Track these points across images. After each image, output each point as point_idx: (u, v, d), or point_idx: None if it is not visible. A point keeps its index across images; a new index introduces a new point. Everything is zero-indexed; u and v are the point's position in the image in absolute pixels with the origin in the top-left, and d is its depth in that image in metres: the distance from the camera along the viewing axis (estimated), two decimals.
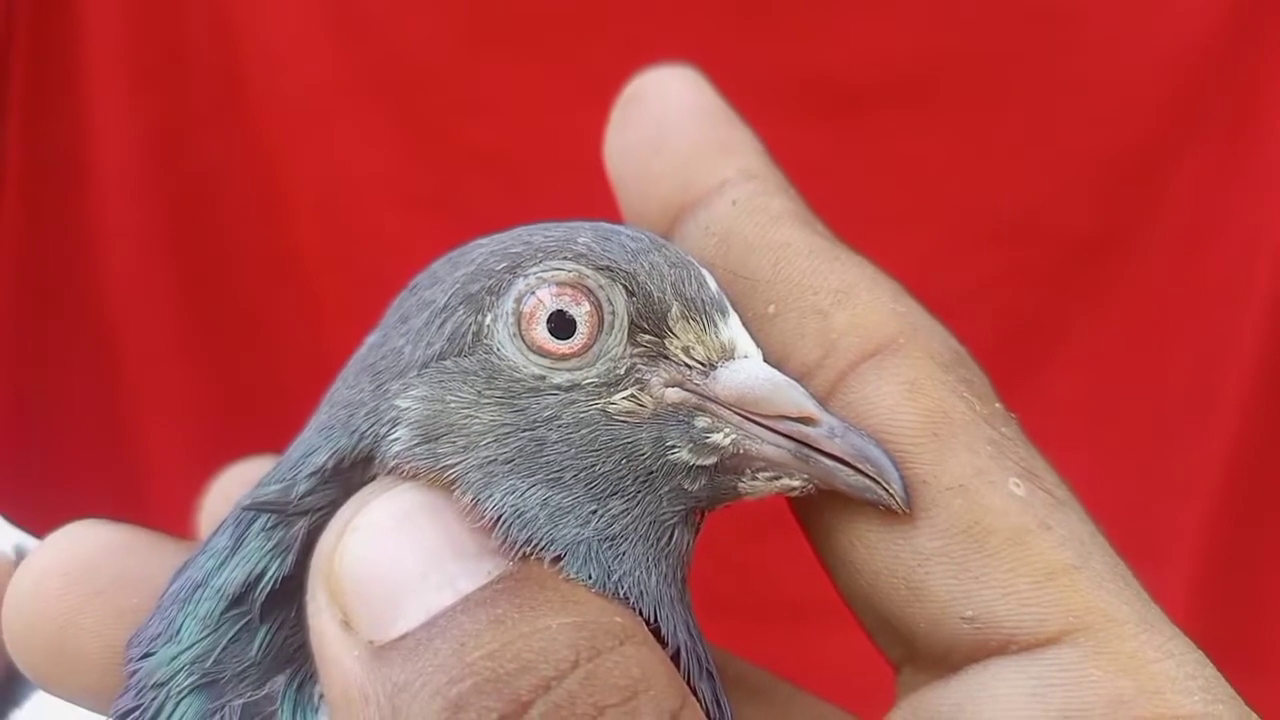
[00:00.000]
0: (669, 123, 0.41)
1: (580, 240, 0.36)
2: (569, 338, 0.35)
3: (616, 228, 0.38)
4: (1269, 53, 0.77)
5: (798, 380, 0.36)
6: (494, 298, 0.36)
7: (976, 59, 0.80)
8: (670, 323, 0.36)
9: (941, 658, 0.35)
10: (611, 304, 0.36)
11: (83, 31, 0.82)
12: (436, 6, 0.81)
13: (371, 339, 0.39)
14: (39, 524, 0.82)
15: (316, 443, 0.36)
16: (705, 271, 0.37)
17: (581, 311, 0.35)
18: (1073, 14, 0.79)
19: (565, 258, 0.36)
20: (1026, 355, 0.80)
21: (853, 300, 0.37)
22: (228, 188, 0.85)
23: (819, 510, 0.36)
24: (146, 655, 0.35)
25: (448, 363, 0.35)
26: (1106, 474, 0.78)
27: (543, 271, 0.36)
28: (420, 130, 0.83)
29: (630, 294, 0.36)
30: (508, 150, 0.82)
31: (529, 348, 0.35)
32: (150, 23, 0.82)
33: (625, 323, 0.36)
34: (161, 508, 0.85)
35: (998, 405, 0.36)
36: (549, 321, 0.35)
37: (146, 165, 0.84)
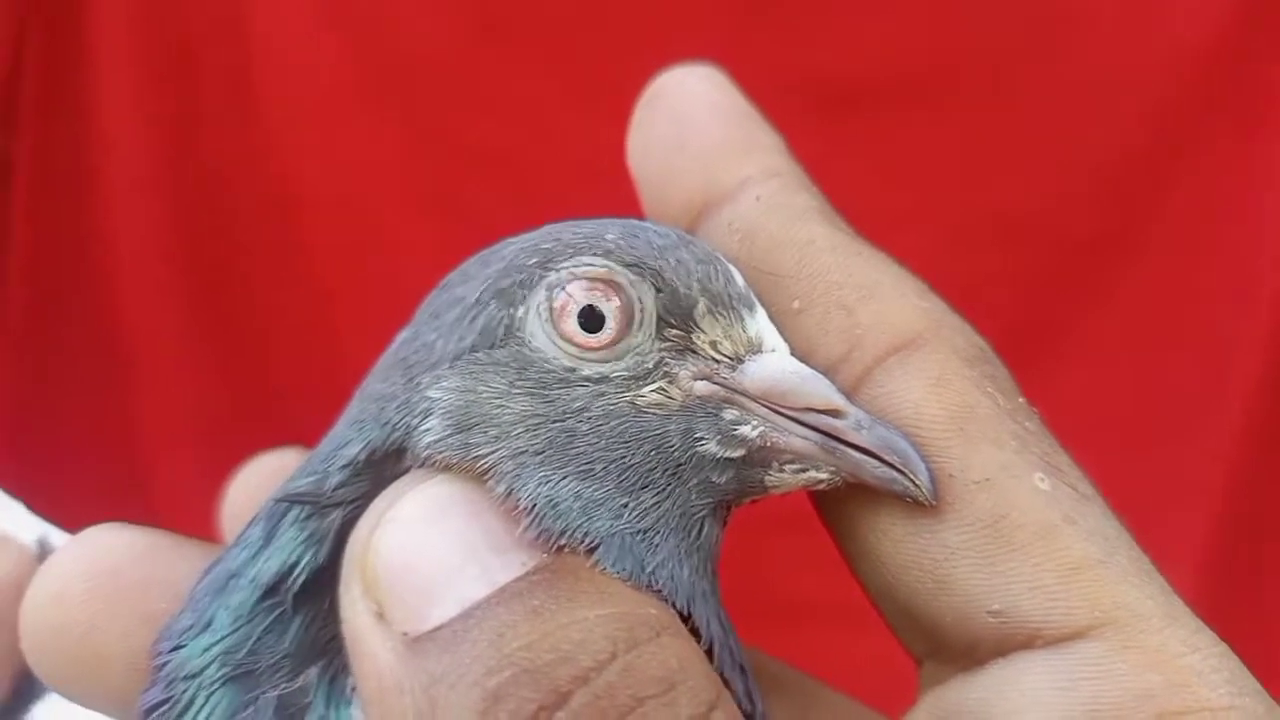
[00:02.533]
0: (691, 120, 0.41)
1: (609, 237, 0.37)
2: (598, 331, 0.36)
3: (644, 224, 0.38)
4: (1271, 53, 0.78)
5: (823, 374, 0.36)
6: (525, 292, 0.36)
7: (977, 59, 0.80)
8: (697, 318, 0.36)
9: (966, 652, 0.35)
10: (640, 301, 0.36)
11: (92, 32, 0.82)
12: (445, 6, 0.81)
13: (403, 335, 0.39)
14: (57, 515, 0.82)
15: (348, 435, 0.36)
16: (732, 267, 0.37)
17: (611, 307, 0.36)
18: (1074, 14, 0.79)
19: (595, 254, 0.36)
20: (1027, 355, 0.79)
21: (877, 296, 0.37)
22: (236, 187, 0.84)
23: (843, 504, 0.37)
24: (177, 648, 0.35)
25: (480, 354, 0.36)
26: (1107, 475, 0.78)
27: (574, 267, 0.36)
28: (429, 130, 0.83)
29: (658, 290, 0.36)
30: (516, 150, 0.82)
31: (560, 338, 0.36)
32: (159, 23, 0.82)
33: (653, 318, 0.36)
34: (170, 504, 0.85)
35: (1021, 400, 0.37)
36: (580, 315, 0.36)
37: (154, 165, 0.84)
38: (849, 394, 0.36)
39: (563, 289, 0.36)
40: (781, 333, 0.37)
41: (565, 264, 0.36)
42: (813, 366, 0.36)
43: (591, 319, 0.36)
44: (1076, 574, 0.33)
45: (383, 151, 0.83)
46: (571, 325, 0.36)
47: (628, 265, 0.36)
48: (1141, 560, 0.34)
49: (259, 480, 0.44)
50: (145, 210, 0.84)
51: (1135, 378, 0.83)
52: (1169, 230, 0.80)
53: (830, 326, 0.37)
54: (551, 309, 0.36)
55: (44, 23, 0.82)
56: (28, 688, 0.50)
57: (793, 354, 0.37)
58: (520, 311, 0.36)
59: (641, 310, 0.36)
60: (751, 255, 0.38)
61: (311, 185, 0.84)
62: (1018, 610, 0.33)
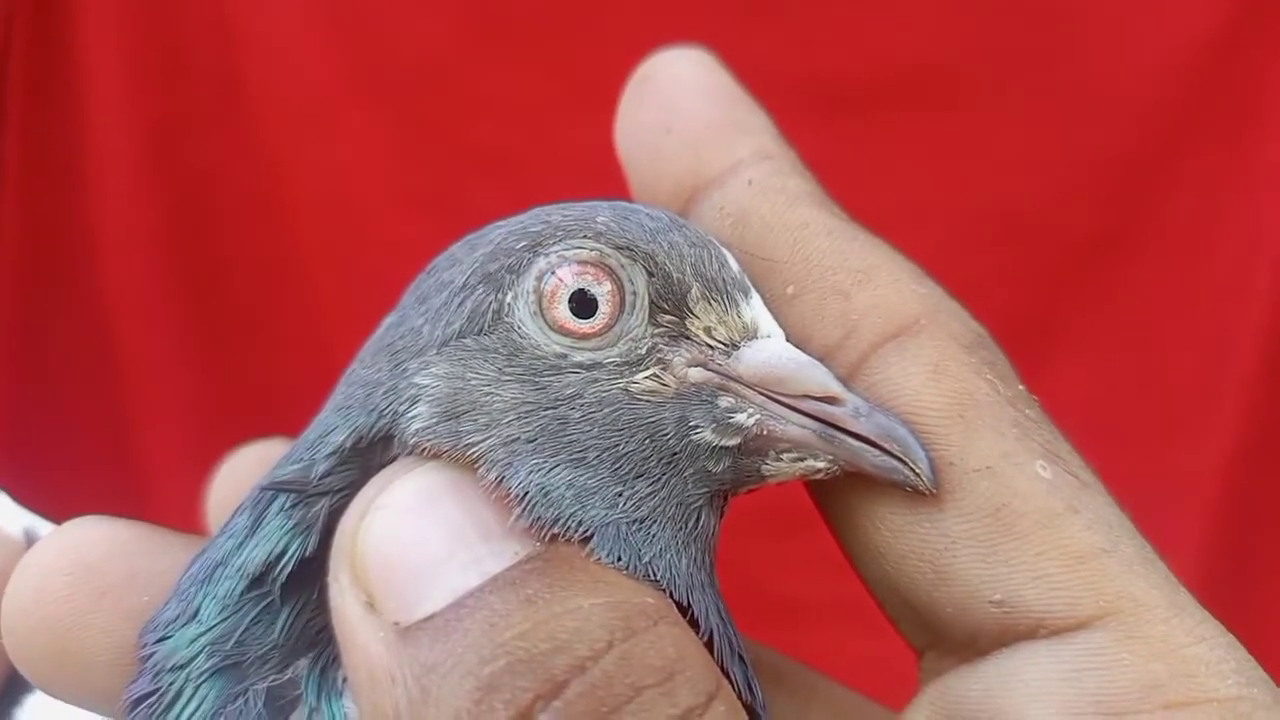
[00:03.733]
0: (681, 103, 0.40)
1: (599, 219, 0.36)
2: (590, 317, 0.35)
3: (635, 206, 0.37)
4: (1269, 53, 0.78)
5: (820, 360, 0.36)
6: (514, 276, 0.35)
7: (978, 59, 0.80)
8: (690, 303, 0.36)
9: (968, 642, 0.34)
10: (633, 283, 0.35)
11: (81, 31, 0.82)
12: (436, 6, 0.81)
13: (389, 319, 0.38)
14: (45, 507, 0.82)
15: (334, 422, 0.36)
16: (726, 251, 0.37)
17: (603, 291, 0.35)
18: (1074, 15, 0.79)
19: (585, 236, 0.36)
20: (1026, 355, 0.79)
21: (873, 281, 0.36)
22: (227, 187, 0.84)
23: (841, 493, 0.36)
24: (163, 639, 0.35)
25: (468, 340, 0.35)
26: (1107, 474, 0.78)
27: (564, 250, 0.35)
28: (420, 130, 0.82)
29: (650, 274, 0.35)
30: (507, 150, 0.81)
31: (550, 326, 0.35)
32: (148, 22, 0.82)
33: (646, 302, 0.35)
34: (161, 504, 0.85)
35: (1020, 387, 0.36)
36: (570, 300, 0.35)
37: (145, 165, 0.83)
38: (845, 381, 0.35)
39: (552, 274, 0.35)
40: (776, 318, 0.36)
41: (554, 247, 0.36)
42: (809, 353, 0.36)
43: (583, 304, 0.35)
44: (1080, 563, 0.33)
45: (374, 150, 0.83)
46: (562, 311, 0.35)
47: (619, 248, 0.36)
48: (1145, 549, 0.34)
49: (244, 470, 0.44)
50: (135, 208, 0.84)
51: (1133, 377, 0.82)
52: (1167, 230, 0.80)
53: (826, 312, 0.36)
54: (541, 295, 0.35)
55: (31, 20, 0.81)
56: (20, 680, 0.49)
57: (788, 340, 0.36)
58: (509, 297, 0.35)
59: (634, 294, 0.35)
60: (744, 240, 0.38)
61: (302, 184, 0.83)
62: (1020, 600, 0.33)
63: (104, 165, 0.84)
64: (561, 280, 0.35)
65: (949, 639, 0.35)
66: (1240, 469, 0.81)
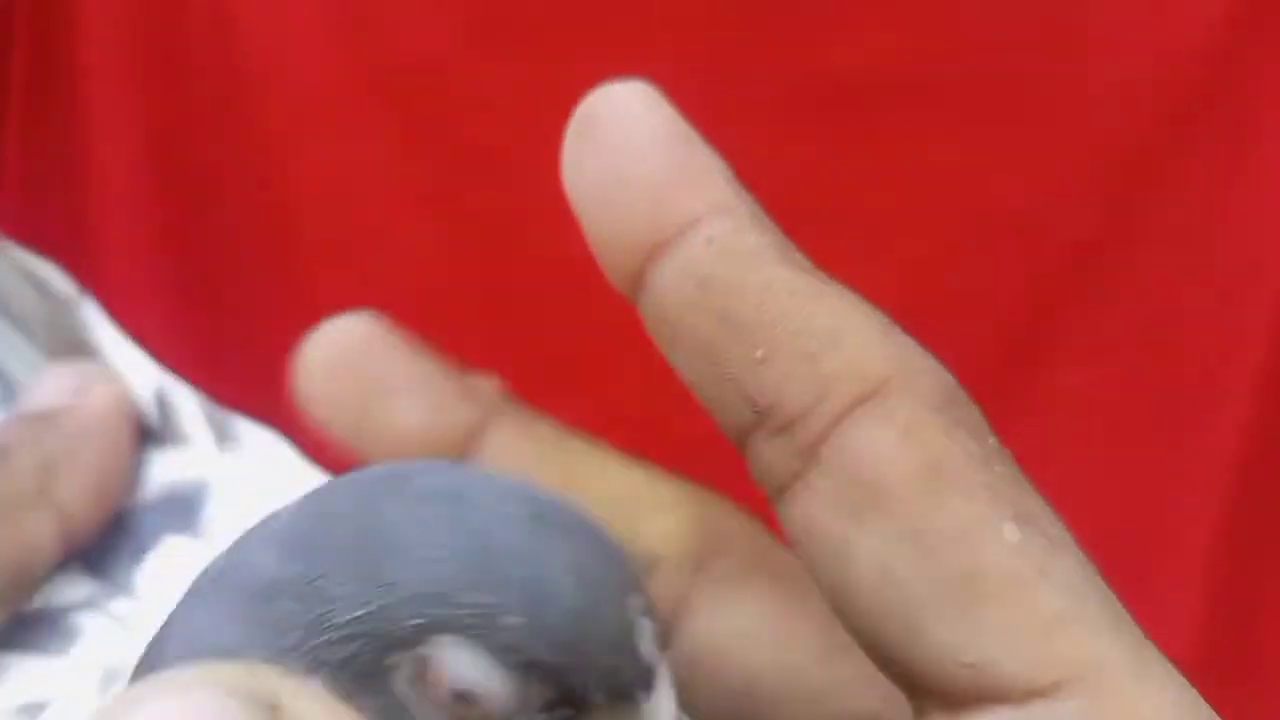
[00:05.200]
0: (630, 151, 0.38)
1: (509, 619, 0.32)
2: (473, 703, 0.32)
3: (562, 567, 0.33)
4: (1270, 53, 0.77)
5: (791, 431, 0.35)
6: (397, 646, 0.32)
7: (977, 58, 0.79)
8: (591, 705, 0.33)
9: (943, 697, 0.34)
10: (526, 692, 0.32)
11: (82, 30, 0.82)
12: (439, 5, 0.81)
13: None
14: None
15: None
16: (645, 625, 0.34)
17: (490, 695, 0.32)
18: (1074, 14, 0.79)
19: (486, 643, 0.32)
20: (1027, 355, 0.79)
21: (841, 343, 0.36)
22: (228, 186, 0.84)
23: (817, 555, 0.36)
24: None
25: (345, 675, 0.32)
26: (1110, 475, 0.78)
27: (456, 652, 0.32)
28: (422, 129, 0.82)
29: (553, 685, 0.32)
30: (510, 150, 0.81)
31: (428, 699, 0.32)
32: (150, 21, 0.82)
33: (540, 703, 0.32)
34: None
35: (991, 441, 0.36)
36: (452, 694, 0.32)
37: (146, 164, 0.84)
38: (817, 445, 0.35)
39: (438, 670, 0.32)
40: (748, 383, 0.36)
41: (446, 641, 0.32)
42: (784, 415, 0.36)
43: (466, 695, 0.32)
44: (1048, 628, 0.33)
45: (376, 150, 0.83)
46: (443, 694, 0.32)
47: (522, 665, 0.32)
48: (1112, 608, 0.34)
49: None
50: (135, 208, 0.84)
51: (1135, 377, 0.82)
52: (1169, 230, 0.80)
53: (796, 376, 0.36)
54: (423, 677, 0.32)
55: (31, 20, 0.81)
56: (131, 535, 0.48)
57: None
58: (389, 659, 0.32)
59: (525, 700, 0.32)
60: (710, 303, 0.37)
61: (303, 183, 0.83)
62: (992, 663, 0.33)
63: (104, 165, 0.84)
64: (445, 676, 0.32)
65: (929, 694, 0.35)
66: (1245, 469, 0.81)
